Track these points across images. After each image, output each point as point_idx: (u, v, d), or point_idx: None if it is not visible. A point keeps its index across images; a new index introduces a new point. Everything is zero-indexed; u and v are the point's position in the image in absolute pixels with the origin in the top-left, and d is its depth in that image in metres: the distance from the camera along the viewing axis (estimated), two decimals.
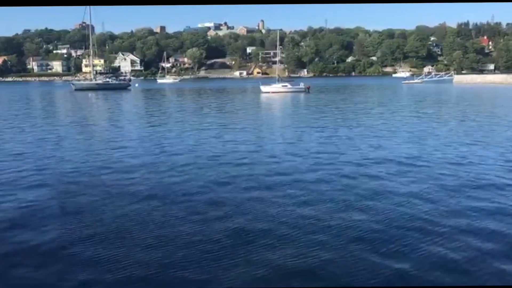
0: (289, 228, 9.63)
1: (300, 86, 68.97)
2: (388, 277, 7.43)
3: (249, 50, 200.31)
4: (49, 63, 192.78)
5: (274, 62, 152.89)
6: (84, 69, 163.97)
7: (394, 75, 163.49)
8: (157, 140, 22.53)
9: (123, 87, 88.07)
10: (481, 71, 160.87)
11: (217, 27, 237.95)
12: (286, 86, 68.37)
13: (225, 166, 15.86)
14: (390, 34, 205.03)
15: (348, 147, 19.48)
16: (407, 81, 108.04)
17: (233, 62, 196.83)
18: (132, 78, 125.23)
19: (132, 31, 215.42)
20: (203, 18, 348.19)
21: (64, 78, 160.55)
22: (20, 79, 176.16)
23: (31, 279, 7.58)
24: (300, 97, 59.79)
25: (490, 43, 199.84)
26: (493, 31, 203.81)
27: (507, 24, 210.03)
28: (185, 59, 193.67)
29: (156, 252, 8.46)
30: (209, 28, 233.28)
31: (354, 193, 12.24)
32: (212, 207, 11.13)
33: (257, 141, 21.79)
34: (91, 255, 8.37)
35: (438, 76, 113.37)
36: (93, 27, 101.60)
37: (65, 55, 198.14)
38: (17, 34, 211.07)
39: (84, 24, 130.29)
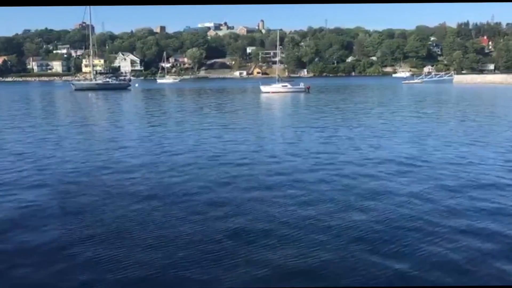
0: (289, 228, 9.63)
1: (300, 86, 68.98)
2: (389, 277, 7.43)
3: (249, 50, 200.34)
4: (49, 63, 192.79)
5: (274, 62, 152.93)
6: (84, 69, 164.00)
7: (394, 75, 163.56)
8: (157, 140, 22.53)
9: (123, 87, 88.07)
10: (481, 71, 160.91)
11: (217, 27, 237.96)
12: (286, 86, 68.38)
13: (225, 166, 15.87)
14: (390, 34, 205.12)
15: (348, 147, 19.49)
16: (407, 81, 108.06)
17: (233, 62, 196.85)
18: (132, 78, 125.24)
19: (132, 31, 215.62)
20: (203, 18, 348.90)
21: (64, 78, 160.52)
22: (20, 79, 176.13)
23: (31, 280, 7.58)
24: (300, 97, 59.80)
25: (490, 43, 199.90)
26: (493, 31, 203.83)
27: (507, 24, 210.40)
28: (185, 59, 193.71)
29: (156, 252, 8.46)
30: (209, 28, 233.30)
31: (354, 193, 12.24)
32: (212, 207, 11.13)
33: (257, 141, 21.79)
34: (92, 255, 8.37)
35: (438, 76, 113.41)
36: (93, 27, 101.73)
37: (65, 55, 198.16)
38: (17, 34, 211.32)
39: (84, 24, 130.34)
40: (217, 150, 19.29)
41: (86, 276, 7.58)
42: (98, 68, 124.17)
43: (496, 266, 7.79)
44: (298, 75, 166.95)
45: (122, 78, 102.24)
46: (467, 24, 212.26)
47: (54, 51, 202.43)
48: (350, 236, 9.13)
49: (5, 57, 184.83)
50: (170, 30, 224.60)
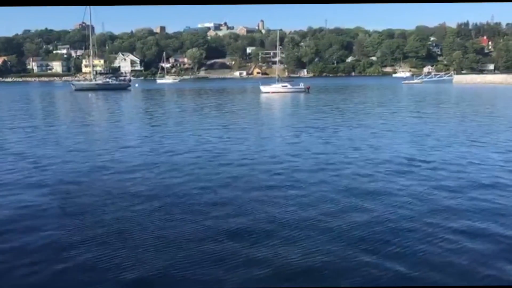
0: (290, 228, 9.64)
1: (300, 86, 68.96)
2: (389, 278, 7.43)
3: (249, 50, 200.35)
4: (49, 63, 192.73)
5: (274, 62, 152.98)
6: (84, 69, 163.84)
7: (394, 75, 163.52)
8: (157, 140, 22.54)
9: (123, 87, 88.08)
10: (481, 71, 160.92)
11: (217, 27, 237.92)
12: (286, 86, 68.37)
13: (226, 166, 15.87)
14: (390, 34, 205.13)
15: (348, 148, 19.49)
16: (407, 81, 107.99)
17: (233, 62, 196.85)
18: (132, 78, 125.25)
19: (132, 31, 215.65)
20: (203, 18, 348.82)
21: (64, 78, 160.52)
22: (20, 79, 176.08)
23: (32, 280, 7.57)
24: (300, 97, 59.79)
25: (490, 43, 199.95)
26: (493, 31, 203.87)
27: (507, 24, 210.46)
28: (185, 59, 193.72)
29: (157, 253, 8.46)
30: (209, 28, 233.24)
31: (355, 193, 12.24)
32: (213, 207, 11.13)
33: (257, 141, 21.80)
34: (92, 255, 8.37)
35: (438, 76, 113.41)
36: (93, 27, 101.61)
37: (65, 56, 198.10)
38: (17, 34, 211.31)
39: (84, 24, 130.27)
40: (217, 150, 19.29)
41: (86, 277, 7.59)
42: (98, 68, 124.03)
43: (496, 267, 7.80)
44: (298, 75, 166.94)
45: (122, 78, 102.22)
46: (467, 24, 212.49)
47: (54, 52, 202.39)
48: (351, 237, 9.13)
49: (5, 57, 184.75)
50: (170, 30, 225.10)
